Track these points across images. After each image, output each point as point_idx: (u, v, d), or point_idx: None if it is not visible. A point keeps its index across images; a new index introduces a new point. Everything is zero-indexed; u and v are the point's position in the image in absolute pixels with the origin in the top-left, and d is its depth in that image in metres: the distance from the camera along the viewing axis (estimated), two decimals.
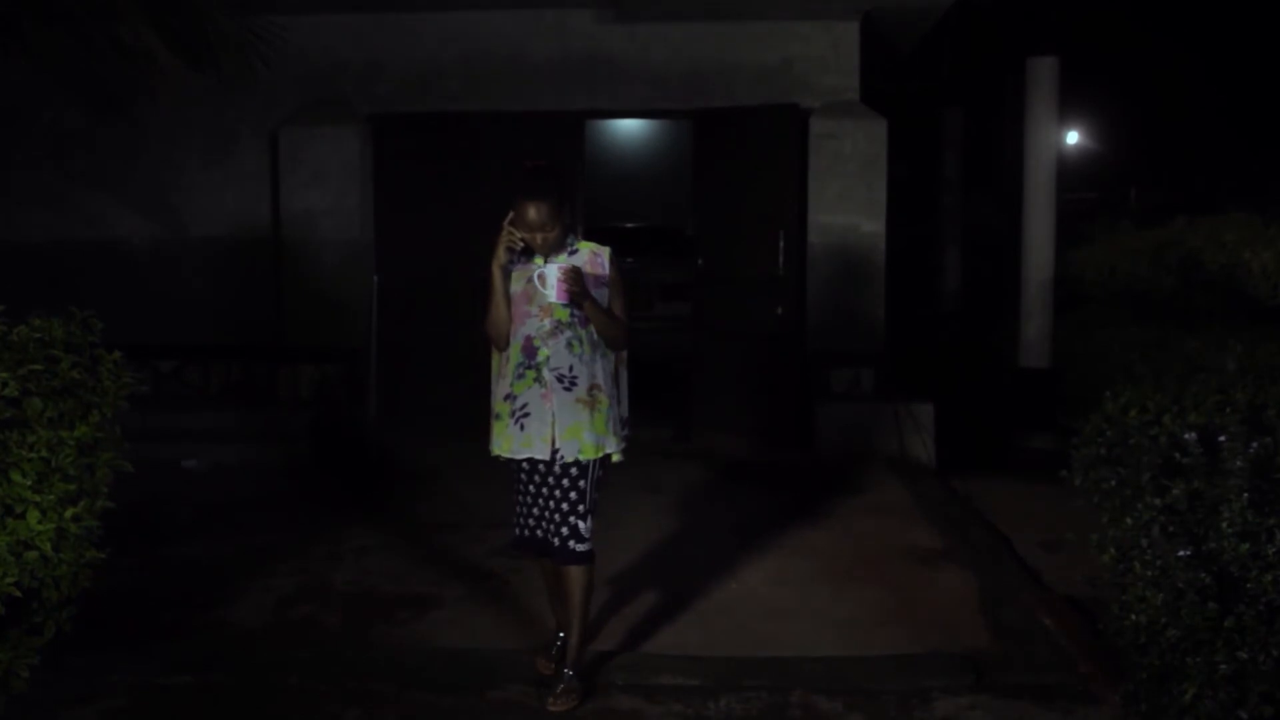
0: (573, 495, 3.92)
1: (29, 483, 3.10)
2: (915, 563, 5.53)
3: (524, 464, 3.96)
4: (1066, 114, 10.02)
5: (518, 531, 4.08)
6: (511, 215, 3.84)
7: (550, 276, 3.78)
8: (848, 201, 8.09)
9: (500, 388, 3.97)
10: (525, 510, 4.03)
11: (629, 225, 12.33)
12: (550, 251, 3.89)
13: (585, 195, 8.46)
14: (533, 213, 3.80)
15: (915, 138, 11.80)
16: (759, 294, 8.15)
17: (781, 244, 8.06)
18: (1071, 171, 15.22)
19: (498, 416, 3.95)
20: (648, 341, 10.91)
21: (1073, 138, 19.02)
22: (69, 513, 3.20)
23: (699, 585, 5.12)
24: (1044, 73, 8.36)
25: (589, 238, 4.07)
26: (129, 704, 3.93)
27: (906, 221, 10.82)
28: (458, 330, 7.01)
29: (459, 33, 8.36)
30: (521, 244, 3.86)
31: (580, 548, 3.94)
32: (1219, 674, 3.16)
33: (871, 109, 8.21)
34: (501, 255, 3.86)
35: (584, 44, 8.37)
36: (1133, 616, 3.39)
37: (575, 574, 3.98)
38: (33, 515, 3.12)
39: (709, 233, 8.63)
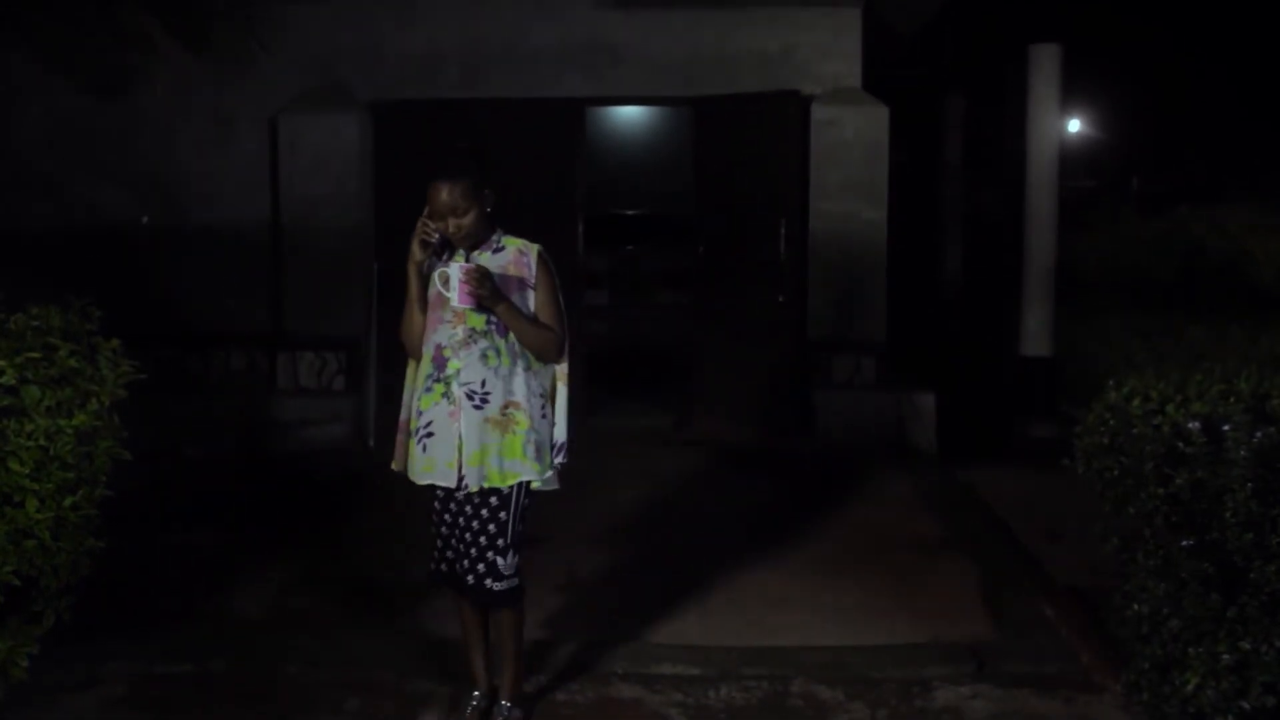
0: (491, 528, 3.46)
1: (27, 471, 3.10)
2: (916, 552, 5.52)
3: (439, 490, 3.51)
4: (1069, 101, 9.97)
5: (432, 566, 3.61)
6: (427, 209, 3.45)
7: (453, 277, 3.34)
8: (849, 189, 8.04)
9: (409, 401, 3.58)
10: (442, 542, 3.56)
11: (630, 213, 12.33)
12: (470, 245, 3.48)
13: (587, 183, 8.40)
14: (444, 194, 3.40)
15: (917, 126, 11.73)
16: (760, 282, 8.12)
17: (783, 231, 8.03)
18: (1074, 159, 15.19)
19: (403, 433, 3.59)
20: (649, 329, 10.99)
21: (1075, 125, 18.99)
22: (68, 501, 3.19)
23: (699, 574, 5.10)
24: (1046, 60, 8.32)
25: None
26: (129, 692, 3.93)
27: (908, 209, 10.78)
28: None
29: (459, 19, 8.31)
30: (437, 236, 3.44)
31: (499, 586, 3.48)
32: (1221, 664, 3.16)
33: (873, 96, 8.17)
34: (416, 251, 3.44)
35: (584, 31, 8.32)
36: (1135, 606, 3.39)
37: (502, 617, 3.58)
38: (31, 504, 3.12)
39: (710, 220, 8.59)
